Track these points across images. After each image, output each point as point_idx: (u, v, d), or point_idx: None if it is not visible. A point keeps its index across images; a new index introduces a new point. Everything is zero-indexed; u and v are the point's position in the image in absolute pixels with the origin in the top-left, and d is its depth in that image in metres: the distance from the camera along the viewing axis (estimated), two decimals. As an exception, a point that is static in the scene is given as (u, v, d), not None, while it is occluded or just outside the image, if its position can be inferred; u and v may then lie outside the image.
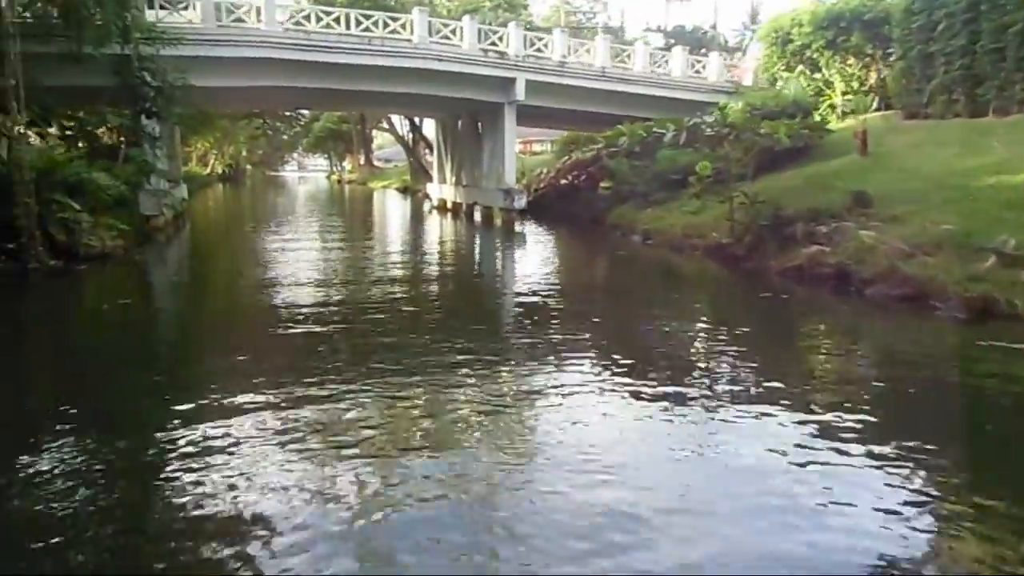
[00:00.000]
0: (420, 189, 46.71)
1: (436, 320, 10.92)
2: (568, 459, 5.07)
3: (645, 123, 21.18)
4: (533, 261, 18.32)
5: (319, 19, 21.40)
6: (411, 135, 47.50)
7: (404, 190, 51.29)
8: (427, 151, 51.31)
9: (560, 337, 9.33)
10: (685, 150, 20.85)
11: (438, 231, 26.51)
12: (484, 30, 23.61)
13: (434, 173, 34.11)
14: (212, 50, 20.23)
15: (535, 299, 12.34)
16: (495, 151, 26.59)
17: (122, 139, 19.32)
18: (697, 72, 26.80)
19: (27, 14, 17.45)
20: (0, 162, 13.49)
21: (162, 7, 19.90)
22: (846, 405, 6.24)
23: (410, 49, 22.25)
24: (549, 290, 13.69)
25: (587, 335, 9.57)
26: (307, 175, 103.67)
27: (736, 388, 6.98)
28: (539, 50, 24.38)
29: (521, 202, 24.73)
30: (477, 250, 21.86)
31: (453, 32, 23.34)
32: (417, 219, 31.71)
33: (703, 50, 32.46)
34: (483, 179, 27.65)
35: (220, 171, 74.45)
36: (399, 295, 12.70)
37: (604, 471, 4.87)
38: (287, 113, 65.73)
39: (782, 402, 6.33)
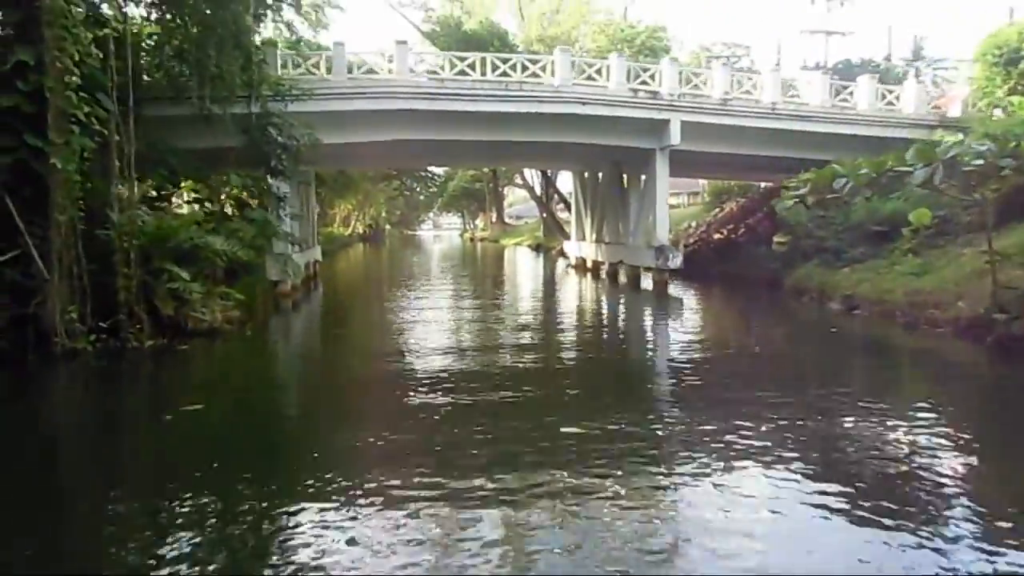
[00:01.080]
0: (554, 246, 44.13)
1: (577, 399, 8.85)
2: None
3: (827, 165, 17.01)
4: (696, 332, 14.61)
5: (453, 66, 19.35)
6: (544, 190, 45.25)
7: (537, 247, 48.95)
8: (561, 206, 48.91)
9: (741, 443, 6.50)
10: (890, 197, 16.53)
11: (578, 293, 23.35)
12: (633, 68, 20.65)
13: (571, 230, 31.24)
14: (342, 104, 18.66)
15: (702, 381, 9.56)
16: (643, 204, 23.26)
17: (247, 201, 17.82)
18: (889, 104, 22.26)
19: (154, 75, 16.62)
20: (105, 230, 11.89)
21: (294, 63, 18.66)
22: None
23: (551, 93, 19.66)
24: (723, 372, 10.19)
25: (788, 443, 6.39)
26: (441, 233, 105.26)
27: None
28: (696, 87, 21.02)
29: (676, 261, 21.09)
30: (624, 317, 18.42)
31: (599, 72, 20.56)
32: (553, 279, 28.77)
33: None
34: (629, 236, 24.30)
35: (361, 231, 76.46)
36: (535, 367, 11.01)
37: None
38: (422, 173, 66.36)
39: None
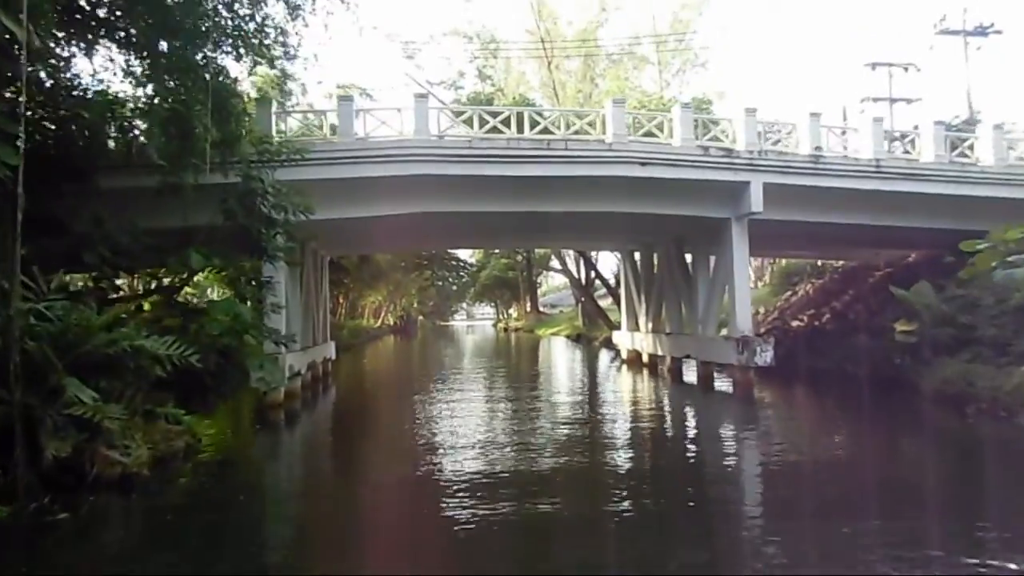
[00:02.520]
0: (595, 336, 39.50)
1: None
2: None
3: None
4: (814, 458, 9.76)
5: (483, 122, 15.63)
6: (583, 273, 41.06)
7: (576, 338, 44.30)
8: (602, 292, 44.59)
9: None
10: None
11: (633, 395, 18.52)
12: (702, 120, 16.66)
13: (621, 318, 26.73)
14: (350, 170, 14.93)
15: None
16: (715, 287, 18.78)
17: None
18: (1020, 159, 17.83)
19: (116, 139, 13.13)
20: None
21: (302, 126, 15.17)
22: None
23: (602, 152, 15.72)
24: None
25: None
26: (475, 324, 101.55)
27: None
28: (778, 143, 16.93)
29: (766, 356, 16.36)
30: (699, 429, 13.61)
31: (659, 128, 16.65)
32: (601, 375, 24.00)
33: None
34: (697, 325, 19.68)
35: (392, 323, 72.95)
36: (593, 504, 7.99)
37: None
38: (454, 262, 63.20)
39: None
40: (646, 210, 17.04)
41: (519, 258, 64.93)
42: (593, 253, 38.81)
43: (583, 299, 42.39)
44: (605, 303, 43.34)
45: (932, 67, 64.71)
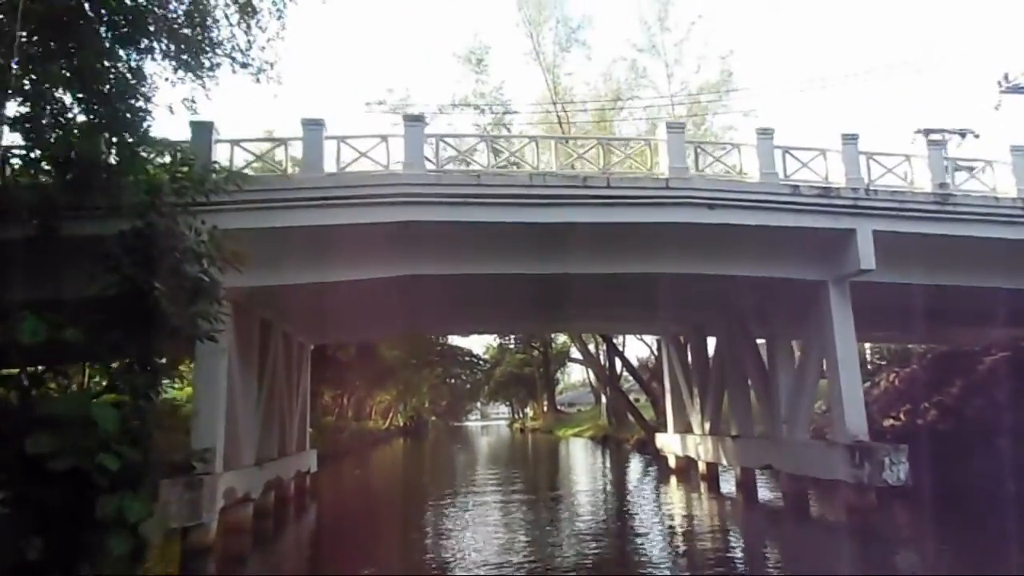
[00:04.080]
0: (626, 438, 33.97)
1: None
2: None
3: None
4: None
5: (496, 153, 11.46)
6: (609, 363, 35.93)
7: (602, 440, 38.57)
8: (629, 382, 39.37)
9: None
10: None
11: (694, 524, 13.05)
12: (789, 152, 12.33)
13: (667, 417, 21.49)
14: (315, 215, 10.65)
15: None
16: (804, 375, 13.88)
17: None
18: None
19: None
20: None
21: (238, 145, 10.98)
22: None
23: (657, 190, 11.38)
24: None
25: None
26: (489, 424, 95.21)
27: None
28: (880, 178, 12.54)
29: (898, 471, 11.24)
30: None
31: (729, 160, 12.35)
32: (645, 493, 18.54)
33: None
34: (779, 425, 14.57)
35: (402, 424, 67.22)
36: None
37: None
38: (467, 358, 58.39)
39: None
40: (710, 271, 12.47)
41: (535, 352, 60.19)
42: (617, 337, 33.78)
43: (610, 394, 37.08)
44: (634, 395, 38.10)
45: (998, 128, 61.65)
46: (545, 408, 66.13)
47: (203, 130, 10.43)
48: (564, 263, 12.05)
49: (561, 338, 61.39)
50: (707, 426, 18.12)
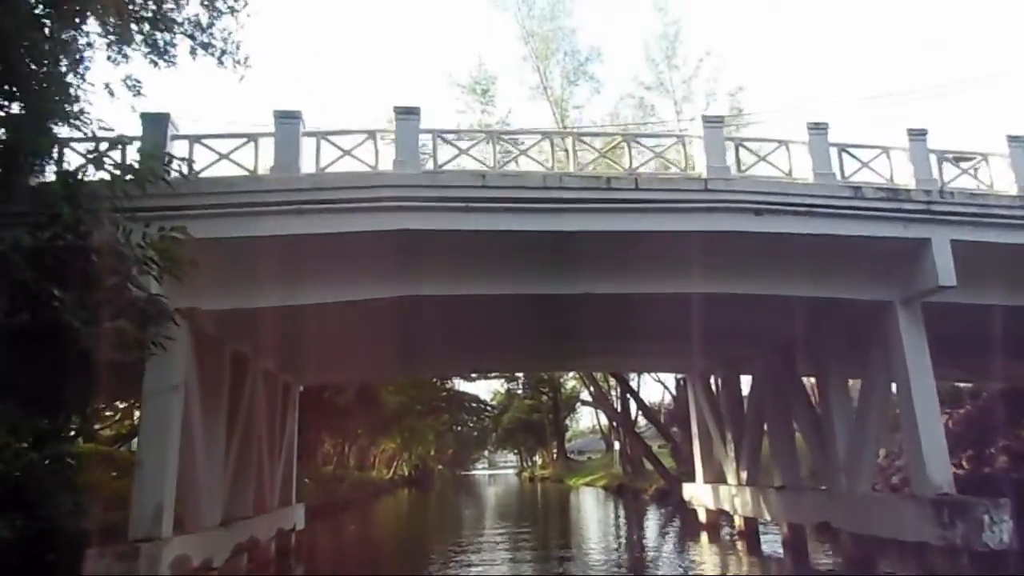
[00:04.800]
0: (643, 488, 31.27)
1: None
2: None
3: None
4: None
5: (505, 152, 9.65)
6: (622, 406, 33.44)
7: (618, 489, 35.76)
8: (643, 425, 36.79)
9: None
10: None
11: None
12: (845, 151, 10.42)
13: (696, 465, 19.02)
14: (290, 223, 8.81)
15: None
16: (865, 416, 11.64)
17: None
18: None
19: None
20: None
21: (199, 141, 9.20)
22: None
23: (694, 193, 9.49)
24: None
25: None
26: (497, 473, 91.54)
27: None
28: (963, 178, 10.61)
29: (1000, 531, 8.97)
30: None
31: (773, 159, 10.48)
32: (669, 551, 16.05)
33: None
34: (837, 475, 12.23)
35: (407, 473, 64.08)
36: None
37: None
38: (473, 404, 55.84)
39: None
40: (754, 290, 10.45)
41: (544, 398, 57.63)
42: (631, 379, 31.40)
43: (625, 440, 34.50)
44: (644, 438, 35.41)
45: None
46: (555, 456, 63.13)
47: (156, 123, 8.69)
48: (581, 282, 10.07)
49: (570, 383, 58.94)
50: (744, 475, 15.77)
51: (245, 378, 12.55)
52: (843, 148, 10.33)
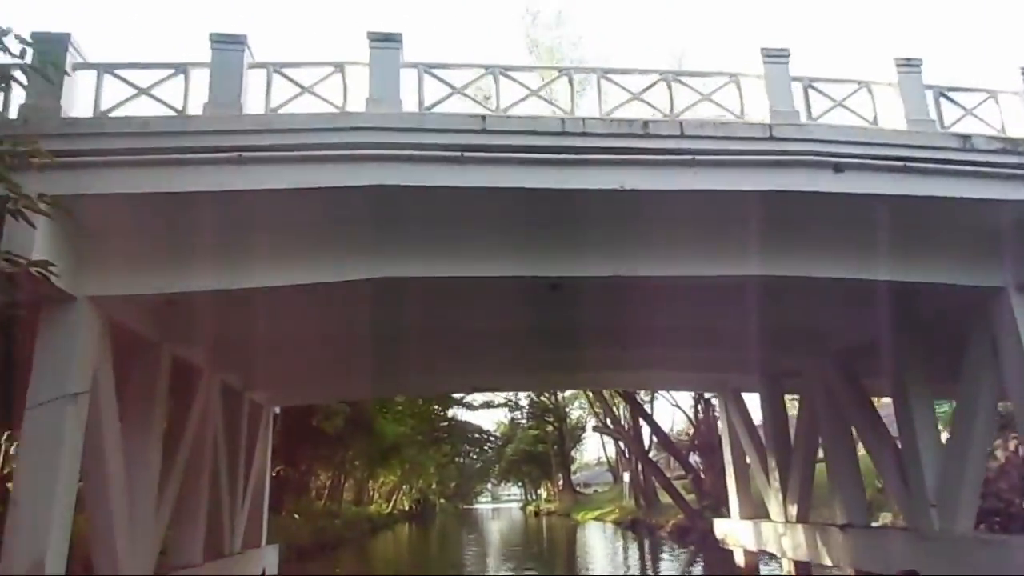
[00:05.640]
0: (659, 523, 28.40)
1: None
2: None
3: None
4: None
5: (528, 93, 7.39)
6: (634, 431, 30.67)
7: (631, 524, 32.83)
8: (656, 452, 33.96)
9: None
10: None
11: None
12: (944, 95, 8.12)
13: (730, 498, 16.28)
14: (229, 175, 6.54)
15: None
16: (968, 439, 9.02)
17: None
18: None
19: None
20: None
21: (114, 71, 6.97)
22: None
23: (757, 141, 7.23)
24: None
25: None
26: (500, 507, 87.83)
27: None
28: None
29: None
30: None
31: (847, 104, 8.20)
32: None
33: None
34: (925, 512, 9.64)
35: (407, 507, 60.76)
36: None
37: None
38: (476, 434, 53.02)
39: None
40: (822, 272, 8.06)
41: (549, 427, 54.81)
42: (643, 396, 28.72)
43: (638, 470, 31.67)
44: (661, 466, 32.46)
45: None
46: (561, 488, 59.98)
47: (51, 46, 6.46)
48: (598, 262, 7.71)
49: (576, 412, 56.14)
50: (792, 510, 13.14)
51: (194, 393, 10.14)
52: (941, 92, 8.06)
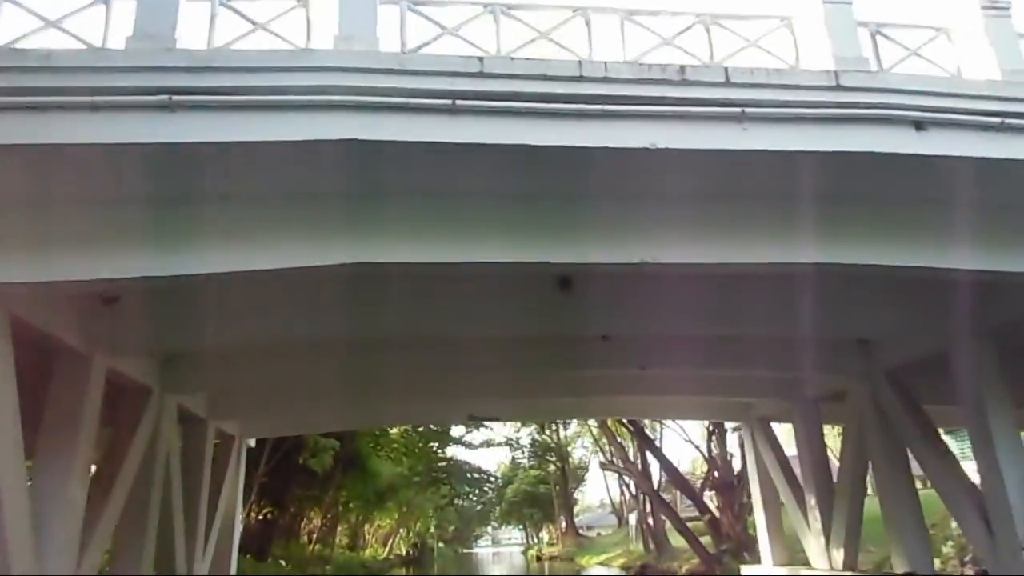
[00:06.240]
0: (672, 569, 26.17)
1: None
2: None
3: None
4: None
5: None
6: (642, 467, 28.52)
7: (642, 570, 30.44)
8: (662, 487, 31.63)
9: None
10: None
11: None
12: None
13: (760, 538, 14.24)
14: (162, 125, 5.07)
15: None
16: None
17: None
18: None
19: None
20: None
21: None
22: None
23: (820, 92, 5.79)
24: None
25: None
26: (501, 551, 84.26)
27: None
28: None
29: None
30: None
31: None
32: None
33: None
34: (1008, 554, 7.90)
35: (404, 552, 57.73)
36: None
37: None
38: (476, 474, 50.64)
39: None
40: (892, 260, 6.51)
41: (551, 467, 52.41)
42: (645, 424, 26.69)
43: (647, 511, 29.44)
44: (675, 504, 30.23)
45: None
46: (563, 531, 57.14)
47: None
48: (625, 245, 6.16)
49: (579, 452, 53.91)
50: (838, 556, 11.24)
51: (139, 418, 8.45)
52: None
